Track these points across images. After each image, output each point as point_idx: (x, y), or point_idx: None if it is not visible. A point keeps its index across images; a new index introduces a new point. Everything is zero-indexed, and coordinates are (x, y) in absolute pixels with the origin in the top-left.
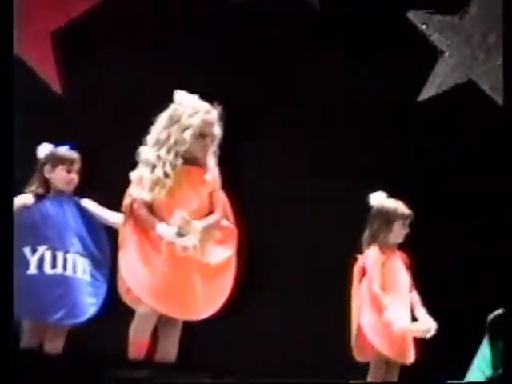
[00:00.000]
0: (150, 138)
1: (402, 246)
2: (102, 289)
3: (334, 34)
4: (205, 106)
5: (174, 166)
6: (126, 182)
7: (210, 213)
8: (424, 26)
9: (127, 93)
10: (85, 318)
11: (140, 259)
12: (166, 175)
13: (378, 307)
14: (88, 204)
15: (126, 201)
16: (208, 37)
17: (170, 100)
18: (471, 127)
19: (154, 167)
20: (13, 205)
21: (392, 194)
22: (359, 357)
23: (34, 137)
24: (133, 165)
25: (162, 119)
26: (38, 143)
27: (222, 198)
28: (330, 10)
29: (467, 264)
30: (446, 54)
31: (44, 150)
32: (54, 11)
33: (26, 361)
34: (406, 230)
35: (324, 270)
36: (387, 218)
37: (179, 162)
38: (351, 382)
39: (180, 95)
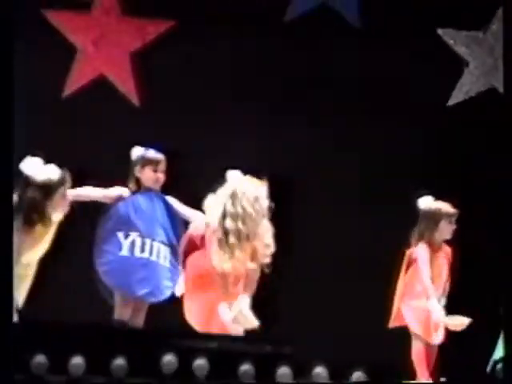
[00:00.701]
0: (214, 211)
1: (448, 243)
2: (177, 275)
3: (374, 48)
4: (257, 181)
5: (240, 241)
6: (203, 182)
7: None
8: (452, 41)
9: (196, 100)
10: (163, 298)
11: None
12: (234, 247)
13: (419, 295)
14: (172, 201)
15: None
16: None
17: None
18: (495, 128)
19: (226, 237)
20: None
21: (438, 197)
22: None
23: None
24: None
25: (222, 196)
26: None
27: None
28: (370, 27)
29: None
30: (472, 65)
31: (136, 152)
32: (132, 35)
33: (113, 334)
34: (453, 227)
35: (374, 262)
36: (434, 217)
37: (248, 229)
38: (404, 382)
39: (233, 174)
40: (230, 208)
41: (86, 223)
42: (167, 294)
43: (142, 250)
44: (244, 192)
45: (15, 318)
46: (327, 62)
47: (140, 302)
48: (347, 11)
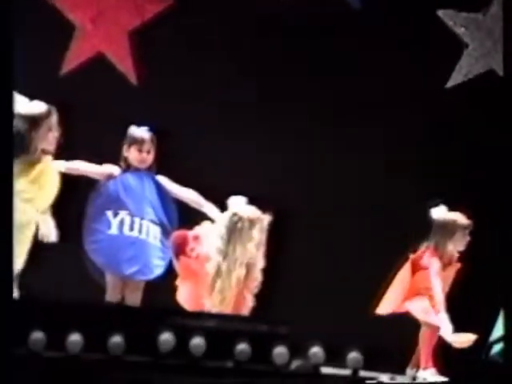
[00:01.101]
0: (213, 243)
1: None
2: (168, 254)
3: (373, 32)
4: (258, 214)
5: (229, 275)
6: (195, 162)
7: None
8: (452, 23)
9: (191, 82)
10: (152, 276)
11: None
12: (223, 283)
13: (436, 309)
14: (163, 180)
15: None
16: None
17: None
18: (493, 110)
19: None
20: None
21: (450, 206)
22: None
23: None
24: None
25: (221, 228)
26: (120, 125)
27: None
28: (370, 10)
29: None
30: (471, 47)
31: (129, 131)
32: (131, 13)
33: (110, 312)
34: (467, 239)
35: (374, 249)
36: (448, 229)
37: (243, 271)
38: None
39: (235, 202)
40: (225, 243)
41: (77, 199)
42: (158, 272)
43: (131, 229)
44: (241, 230)
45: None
46: (326, 44)
47: (133, 282)
48: None
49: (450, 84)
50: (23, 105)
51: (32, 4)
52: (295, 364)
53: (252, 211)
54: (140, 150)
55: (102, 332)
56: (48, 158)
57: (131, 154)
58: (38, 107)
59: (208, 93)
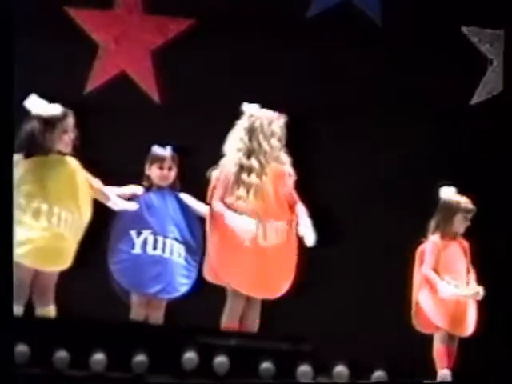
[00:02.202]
0: (230, 146)
1: (463, 235)
2: (193, 272)
3: (395, 47)
4: (275, 114)
5: (262, 171)
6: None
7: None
8: (476, 39)
9: (213, 100)
10: (177, 295)
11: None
12: (257, 179)
13: (431, 285)
14: (186, 198)
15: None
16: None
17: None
18: None
19: (240, 172)
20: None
21: (461, 191)
22: (421, 328)
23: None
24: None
25: (240, 130)
26: (142, 144)
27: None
28: (392, 25)
29: None
30: (495, 63)
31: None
32: (153, 32)
33: (133, 330)
34: (467, 223)
35: (393, 251)
36: (451, 209)
37: (268, 165)
38: (425, 381)
39: (249, 107)
40: (247, 143)
41: (100, 220)
42: (182, 290)
43: (155, 248)
44: (261, 126)
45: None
46: (349, 59)
47: (157, 300)
48: (370, 8)
49: (474, 101)
50: (39, 106)
51: (55, 23)
52: (320, 382)
53: (268, 112)
54: (161, 168)
55: (125, 350)
56: (67, 159)
57: (153, 172)
58: (53, 109)
59: (230, 111)
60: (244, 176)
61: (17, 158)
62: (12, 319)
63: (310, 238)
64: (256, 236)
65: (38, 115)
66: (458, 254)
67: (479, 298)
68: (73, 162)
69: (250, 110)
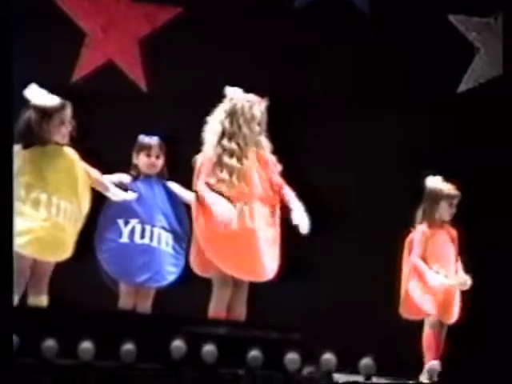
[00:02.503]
0: (211, 129)
1: (451, 223)
2: (181, 261)
3: (384, 36)
4: (256, 98)
5: (242, 154)
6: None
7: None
8: (463, 27)
9: (196, 88)
10: (165, 283)
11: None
12: (238, 162)
13: (419, 274)
14: (174, 186)
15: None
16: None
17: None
18: (504, 115)
19: (221, 155)
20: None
21: (446, 178)
22: (410, 316)
23: (126, 128)
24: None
25: (221, 112)
26: (130, 133)
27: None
28: (381, 14)
29: None
30: (482, 51)
31: (137, 139)
32: (141, 21)
33: (121, 319)
34: (453, 210)
35: (381, 240)
36: (435, 197)
37: (249, 149)
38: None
39: (231, 90)
40: (227, 126)
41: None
42: (170, 279)
43: (142, 237)
44: (242, 109)
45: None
46: (337, 49)
47: (145, 289)
48: None
49: (461, 88)
50: (38, 96)
51: (42, 11)
52: (307, 370)
53: (249, 96)
54: (149, 155)
55: (113, 339)
56: (65, 149)
57: (140, 160)
58: (51, 100)
59: (218, 99)
60: (226, 159)
61: (16, 148)
62: (12, 310)
63: (305, 226)
64: (243, 218)
65: (35, 105)
66: (445, 242)
67: (467, 287)
68: (71, 153)
69: (232, 93)
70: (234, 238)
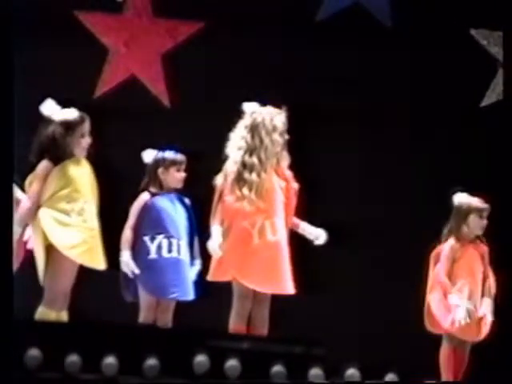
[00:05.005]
0: (233, 145)
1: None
2: (199, 275)
3: (404, 50)
4: (276, 110)
5: (261, 168)
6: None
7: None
8: (485, 42)
9: (223, 103)
10: (190, 297)
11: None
12: (257, 177)
13: (443, 288)
14: (188, 200)
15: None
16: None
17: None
18: None
19: (242, 170)
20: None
21: (474, 193)
22: (431, 328)
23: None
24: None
25: (242, 128)
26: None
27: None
28: (401, 28)
29: None
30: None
31: (151, 155)
32: (163, 36)
33: (143, 334)
34: (484, 222)
35: (406, 253)
36: (464, 212)
37: (269, 163)
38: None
39: (249, 105)
40: (249, 141)
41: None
42: (193, 293)
43: (170, 251)
44: (263, 122)
45: None
46: (358, 61)
47: (165, 302)
48: (379, 12)
49: (484, 103)
50: (57, 112)
51: (65, 26)
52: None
53: (268, 108)
54: (179, 170)
55: (137, 354)
56: (84, 161)
57: (170, 175)
58: (71, 114)
59: (239, 114)
60: (246, 174)
61: (44, 163)
62: (12, 322)
63: (321, 237)
64: (264, 232)
65: (57, 120)
66: (474, 258)
67: (488, 323)
68: (88, 164)
69: (251, 108)
70: (256, 253)
